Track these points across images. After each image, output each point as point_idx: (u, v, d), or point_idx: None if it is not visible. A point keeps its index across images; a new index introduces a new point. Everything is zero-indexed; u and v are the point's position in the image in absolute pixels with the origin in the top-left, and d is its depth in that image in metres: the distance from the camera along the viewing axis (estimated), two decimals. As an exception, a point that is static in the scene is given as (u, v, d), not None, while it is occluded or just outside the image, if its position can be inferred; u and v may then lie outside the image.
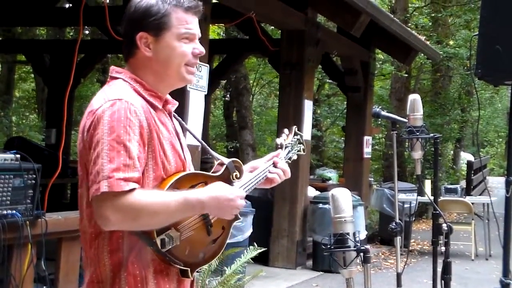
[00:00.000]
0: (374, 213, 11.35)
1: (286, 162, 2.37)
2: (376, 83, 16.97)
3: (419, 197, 10.61)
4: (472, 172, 17.85)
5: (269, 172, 2.28)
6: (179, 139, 2.11)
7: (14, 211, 4.16)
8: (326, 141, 19.71)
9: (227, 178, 2.13)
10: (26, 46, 12.80)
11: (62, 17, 9.69)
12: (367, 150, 10.72)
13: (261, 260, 7.88)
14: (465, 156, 22.51)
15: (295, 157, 2.46)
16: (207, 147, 2.33)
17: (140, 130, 1.92)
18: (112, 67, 2.12)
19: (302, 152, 2.50)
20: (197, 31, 2.09)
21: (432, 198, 3.42)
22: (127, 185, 1.86)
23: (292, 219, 8.32)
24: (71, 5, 10.48)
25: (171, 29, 2.02)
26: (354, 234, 2.34)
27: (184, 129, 2.25)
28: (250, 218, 6.81)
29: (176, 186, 1.97)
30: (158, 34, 2.02)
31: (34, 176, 4.31)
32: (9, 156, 4.22)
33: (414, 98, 3.54)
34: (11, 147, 7.52)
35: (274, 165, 2.30)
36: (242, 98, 14.72)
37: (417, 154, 3.43)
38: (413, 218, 11.42)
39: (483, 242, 9.95)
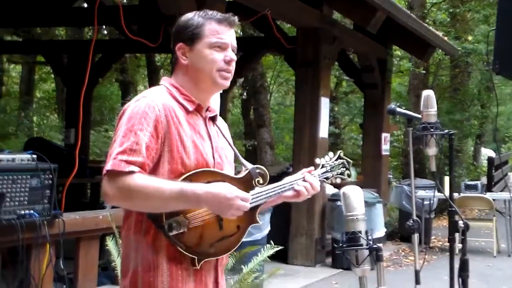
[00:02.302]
0: (393, 210, 11.30)
1: (321, 180, 2.42)
2: (394, 80, 16.84)
3: (438, 194, 10.57)
4: (493, 168, 17.69)
5: (297, 184, 2.34)
6: (210, 141, 2.24)
7: (32, 211, 4.21)
8: (345, 139, 19.61)
9: (248, 181, 2.23)
10: (45, 46, 12.86)
11: (80, 17, 9.71)
12: (385, 147, 10.66)
13: (280, 258, 7.87)
14: (486, 152, 22.32)
15: (337, 180, 2.49)
16: (238, 153, 2.41)
17: (155, 124, 2.11)
18: (164, 77, 2.36)
19: (346, 177, 2.52)
20: (229, 40, 2.26)
21: (447, 194, 3.36)
22: (128, 166, 2.04)
23: (311, 217, 8.31)
24: (87, 5, 10.50)
25: (203, 39, 2.23)
26: (366, 232, 2.32)
27: (228, 142, 2.36)
28: (267, 216, 6.79)
29: (191, 178, 2.11)
30: (192, 44, 2.24)
31: (51, 176, 4.34)
32: (25, 156, 4.26)
33: (428, 94, 3.50)
34: (31, 148, 7.56)
35: (304, 179, 2.35)
36: (260, 96, 14.70)
37: (432, 150, 3.40)
38: (433, 215, 11.32)
39: (505, 238, 9.85)
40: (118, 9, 5.51)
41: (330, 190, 8.95)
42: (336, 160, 2.51)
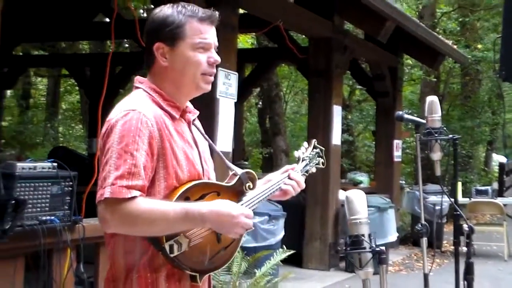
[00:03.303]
0: (406, 215, 11.22)
1: (303, 175, 2.33)
2: (407, 88, 16.76)
3: (450, 199, 10.45)
4: (504, 174, 17.50)
5: (284, 184, 2.23)
6: (197, 148, 2.09)
7: (53, 217, 4.21)
8: (359, 146, 19.53)
9: (239, 188, 2.11)
10: (69, 60, 12.98)
11: (100, 31, 9.81)
12: (397, 153, 10.61)
13: (295, 262, 7.88)
14: (497, 158, 22.08)
15: (313, 170, 2.42)
16: (223, 157, 2.25)
17: (150, 141, 1.92)
18: (137, 77, 2.11)
19: (321, 166, 2.45)
20: (212, 40, 2.06)
21: (453, 199, 3.33)
22: (129, 192, 1.85)
23: (324, 222, 8.27)
24: (108, 19, 10.57)
25: (185, 39, 2.01)
26: (369, 235, 2.29)
27: (205, 137, 2.21)
28: (281, 222, 6.77)
29: (187, 195, 1.95)
30: (173, 44, 2.01)
31: (71, 183, 4.35)
32: (46, 164, 4.27)
33: (432, 100, 3.47)
34: (55, 157, 7.59)
35: (289, 177, 2.25)
36: (275, 105, 14.69)
37: (436, 155, 3.37)
38: (445, 220, 11.23)
39: (516, 243, 9.76)
40: (134, 22, 5.53)
41: (343, 196, 8.91)
42: (312, 150, 2.44)
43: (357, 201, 2.35)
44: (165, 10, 2.03)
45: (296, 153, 2.37)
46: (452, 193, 3.58)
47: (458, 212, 3.35)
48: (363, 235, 2.30)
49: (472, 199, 10.05)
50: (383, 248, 2.30)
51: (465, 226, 3.33)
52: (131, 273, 1.95)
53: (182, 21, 2.01)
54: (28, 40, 11.94)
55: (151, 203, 1.88)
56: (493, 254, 9.93)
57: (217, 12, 2.10)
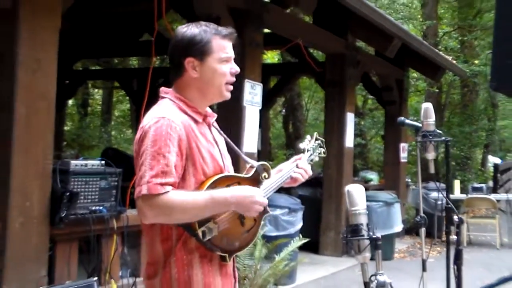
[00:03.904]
0: (411, 209, 11.07)
1: (309, 163, 2.35)
2: (413, 98, 16.60)
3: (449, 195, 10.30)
4: (498, 173, 17.24)
5: (294, 172, 2.26)
6: (218, 146, 2.12)
7: (101, 207, 4.24)
8: (371, 148, 19.38)
9: (256, 178, 2.13)
10: (120, 74, 13.09)
11: (146, 49, 9.84)
12: (403, 155, 10.49)
13: (312, 249, 7.85)
14: (493, 160, 21.74)
15: (316, 158, 2.44)
16: (241, 152, 2.30)
17: (179, 143, 1.95)
18: (162, 88, 2.13)
19: (323, 155, 2.47)
20: (232, 54, 2.11)
21: (444, 194, 3.26)
22: (163, 188, 1.89)
23: (338, 214, 8.19)
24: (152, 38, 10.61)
25: (213, 54, 2.04)
26: (367, 224, 2.26)
27: (222, 135, 2.24)
28: (300, 214, 6.70)
29: (214, 185, 1.98)
30: (202, 59, 2.03)
31: (117, 178, 4.38)
32: (96, 162, 4.32)
33: (427, 106, 3.42)
34: (106, 156, 7.65)
35: (297, 166, 2.28)
36: (297, 112, 14.67)
37: (430, 155, 3.31)
38: (445, 213, 11.04)
39: (507, 233, 9.63)
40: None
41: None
42: (315, 141, 2.45)
43: (357, 194, 2.32)
44: (192, 29, 2.05)
45: (301, 145, 2.40)
46: (447, 189, 3.50)
47: (450, 205, 3.28)
48: (361, 224, 2.27)
49: (469, 195, 9.98)
50: (379, 235, 2.26)
51: (455, 218, 3.26)
52: (169, 257, 1.97)
53: (209, 38, 2.04)
54: (86, 57, 12.10)
55: (182, 194, 1.91)
56: (486, 243, 9.82)
57: (234, 30, 2.13)
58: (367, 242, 2.25)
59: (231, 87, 2.12)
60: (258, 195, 2.01)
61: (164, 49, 7.26)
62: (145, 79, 10.34)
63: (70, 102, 17.87)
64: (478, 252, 9.06)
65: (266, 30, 6.75)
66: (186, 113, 2.03)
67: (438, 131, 3.28)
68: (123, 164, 4.77)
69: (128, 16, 9.19)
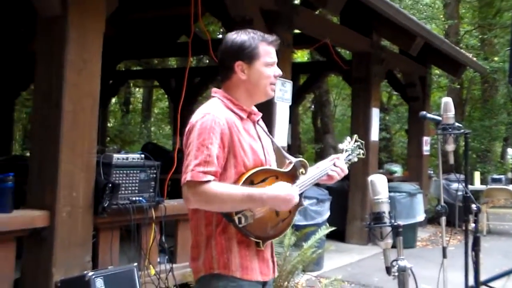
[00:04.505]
0: (433, 200, 10.90)
1: (346, 163, 2.34)
2: (436, 94, 16.32)
3: (469, 186, 10.09)
4: (517, 164, 16.88)
5: (331, 170, 2.25)
6: (261, 142, 2.15)
7: (141, 198, 4.26)
8: (395, 142, 19.16)
9: (294, 173, 2.16)
10: (159, 73, 13.18)
11: (184, 50, 9.86)
12: (426, 148, 10.33)
13: (339, 238, 7.82)
14: (512, 152, 21.29)
15: (355, 159, 2.43)
16: (281, 149, 2.32)
17: (221, 136, 2.00)
18: (213, 89, 2.20)
19: (361, 156, 2.46)
20: (275, 59, 2.18)
21: (463, 184, 3.18)
22: (205, 176, 1.95)
23: (364, 205, 8.09)
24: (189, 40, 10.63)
25: (260, 58, 2.11)
26: (389, 212, 2.21)
27: (268, 135, 2.28)
28: (327, 204, 6.65)
29: (252, 178, 2.03)
30: (251, 62, 2.11)
31: (155, 171, 4.39)
32: (136, 156, 4.33)
33: (447, 101, 3.34)
34: (145, 151, 7.70)
35: (335, 164, 2.27)
36: (325, 108, 14.54)
37: (450, 147, 3.23)
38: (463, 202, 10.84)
39: (527, 223, 9.44)
40: (212, 41, 5.58)
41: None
42: (354, 143, 2.44)
43: (379, 184, 2.28)
44: (241, 36, 2.13)
45: (340, 146, 2.41)
46: (466, 179, 3.42)
47: (468, 195, 3.20)
48: (384, 212, 2.23)
49: (488, 186, 9.81)
50: (400, 223, 2.22)
51: (473, 206, 3.18)
52: (210, 240, 2.04)
53: (257, 44, 2.11)
54: (128, 58, 12.19)
55: (222, 186, 1.96)
56: (505, 232, 9.65)
57: (278, 38, 2.20)
58: (389, 229, 2.23)
59: (275, 87, 2.19)
60: (292, 194, 2.01)
61: (200, 50, 7.35)
62: (182, 78, 10.44)
63: (113, 100, 18.08)
64: (497, 240, 8.88)
65: (296, 31, 6.69)
66: (232, 110, 2.10)
67: (458, 124, 3.20)
68: (162, 158, 4.80)
69: (167, 19, 9.24)
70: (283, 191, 1.99)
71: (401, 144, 19.08)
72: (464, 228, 3.35)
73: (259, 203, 1.98)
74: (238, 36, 2.13)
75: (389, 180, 9.50)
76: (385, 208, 2.26)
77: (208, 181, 1.94)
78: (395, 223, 2.18)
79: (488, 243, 8.35)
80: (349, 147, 2.40)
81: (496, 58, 14.36)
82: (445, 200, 9.54)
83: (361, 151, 2.45)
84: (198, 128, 2.00)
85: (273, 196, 1.98)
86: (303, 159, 2.21)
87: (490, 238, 8.94)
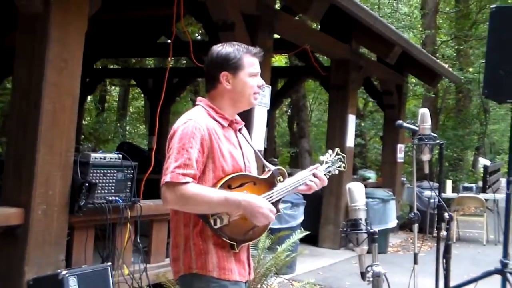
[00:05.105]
0: (405, 206, 11.07)
1: (325, 174, 2.40)
2: (411, 102, 16.58)
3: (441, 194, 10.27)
4: (488, 174, 17.21)
5: (309, 180, 2.32)
6: (241, 150, 2.22)
7: (117, 198, 4.27)
8: (370, 148, 19.36)
9: (271, 181, 2.23)
10: (136, 73, 13.13)
11: (163, 50, 9.87)
12: (400, 155, 10.48)
13: (312, 241, 7.87)
14: (483, 161, 21.68)
15: (335, 172, 2.49)
16: (261, 156, 2.39)
17: (201, 142, 2.08)
18: (199, 98, 2.28)
19: (342, 169, 2.52)
20: (259, 70, 2.26)
21: (437, 194, 3.28)
22: (184, 178, 2.02)
23: (337, 209, 8.20)
24: (169, 41, 10.64)
25: (244, 69, 2.20)
26: (366, 219, 2.29)
27: (250, 144, 2.34)
28: (302, 208, 6.73)
29: (229, 183, 2.10)
30: (235, 73, 2.19)
31: (132, 171, 4.40)
32: (113, 156, 4.33)
33: (424, 112, 3.44)
34: (121, 150, 7.67)
35: (314, 175, 2.33)
36: (301, 113, 14.65)
37: (426, 156, 3.33)
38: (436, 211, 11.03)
39: (493, 231, 9.63)
40: (189, 44, 5.59)
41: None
42: (335, 156, 2.49)
43: (357, 191, 2.35)
44: (227, 48, 2.21)
45: (321, 157, 2.47)
46: (439, 189, 3.52)
47: (441, 204, 3.30)
48: (360, 219, 2.30)
49: (460, 194, 10.01)
50: (376, 230, 2.30)
51: (446, 215, 3.28)
52: (188, 241, 2.11)
53: (241, 56, 2.20)
54: (105, 56, 12.10)
55: (199, 188, 2.03)
56: (474, 239, 9.84)
57: (262, 50, 2.29)
58: (365, 235, 2.29)
59: (258, 96, 2.27)
60: (268, 209, 2.08)
61: (179, 51, 7.34)
62: (160, 78, 10.45)
63: (89, 98, 17.92)
64: (466, 247, 9.08)
65: (275, 36, 6.76)
66: (214, 118, 2.18)
67: (433, 134, 3.29)
68: (137, 158, 4.80)
69: (146, 20, 9.24)
70: (260, 202, 2.07)
71: (376, 151, 19.31)
72: (435, 235, 3.43)
73: (234, 207, 2.05)
74: (224, 48, 2.22)
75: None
76: (362, 215, 2.33)
77: (186, 183, 2.02)
78: (371, 230, 2.25)
79: (457, 250, 8.52)
80: (330, 159, 2.46)
81: (471, 69, 14.64)
82: (417, 207, 9.69)
83: (342, 164, 2.51)
84: (180, 133, 2.08)
85: (249, 203, 2.05)
86: (282, 168, 2.27)
87: (460, 245, 9.13)
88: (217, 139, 2.13)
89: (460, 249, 8.62)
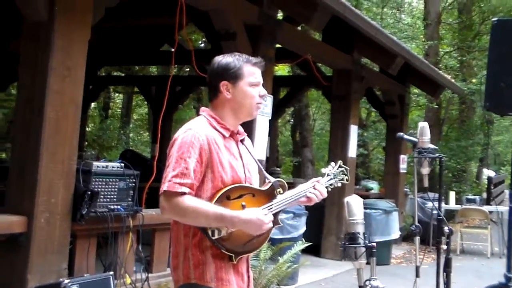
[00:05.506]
0: (408, 217, 11.06)
1: (327, 187, 2.40)
2: (414, 112, 16.58)
3: (444, 205, 10.28)
4: (492, 185, 17.16)
5: (309, 192, 2.31)
6: (242, 160, 2.23)
7: (119, 206, 4.28)
8: (373, 158, 19.35)
9: (271, 192, 2.23)
10: (139, 80, 13.19)
11: (166, 58, 9.92)
12: (403, 166, 10.48)
13: (314, 252, 7.86)
14: (487, 173, 21.63)
15: (338, 184, 2.48)
16: (262, 168, 2.39)
17: (200, 151, 2.10)
18: (202, 108, 2.30)
19: (345, 182, 2.51)
20: (260, 80, 2.26)
21: (436, 206, 3.29)
22: (181, 188, 2.04)
23: (340, 220, 8.18)
24: (172, 49, 10.70)
25: (244, 78, 2.20)
26: (364, 233, 2.30)
27: (252, 156, 2.33)
28: (303, 219, 6.72)
29: (228, 193, 2.10)
30: (235, 82, 2.20)
31: (134, 180, 4.42)
32: (116, 164, 4.36)
33: (423, 125, 3.45)
34: (124, 158, 7.70)
35: (314, 187, 2.33)
36: (304, 122, 14.66)
37: (425, 170, 3.34)
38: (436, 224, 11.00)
39: (498, 243, 9.56)
40: (195, 52, 5.64)
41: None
42: (338, 168, 2.49)
43: (355, 205, 2.36)
44: (227, 58, 2.23)
45: (323, 170, 2.46)
46: (439, 202, 3.53)
47: (441, 217, 3.31)
48: (358, 233, 2.31)
49: (463, 206, 9.95)
50: (374, 243, 2.31)
51: (445, 229, 3.29)
52: (187, 251, 2.12)
53: (241, 65, 2.21)
54: (109, 64, 12.22)
55: (197, 202, 2.04)
56: (478, 252, 9.78)
57: (263, 60, 2.30)
58: (363, 249, 2.30)
59: (261, 106, 2.27)
60: (262, 219, 2.08)
61: (182, 59, 7.39)
62: (163, 86, 10.49)
63: (92, 105, 17.97)
64: (470, 260, 9.03)
65: (277, 45, 6.80)
66: (215, 128, 2.19)
67: (434, 147, 3.30)
68: (140, 166, 4.83)
69: (149, 28, 9.31)
70: (254, 216, 2.07)
71: (379, 161, 19.29)
72: (436, 248, 3.43)
73: (229, 224, 2.05)
74: (224, 58, 2.24)
75: (366, 197, 9.68)
76: (360, 228, 2.34)
77: (183, 193, 2.03)
78: (369, 244, 2.26)
79: (460, 262, 8.51)
80: (332, 171, 2.45)
81: (474, 80, 14.65)
82: (420, 219, 9.75)
83: (345, 177, 2.50)
84: (179, 143, 2.10)
85: (244, 221, 2.05)
86: (282, 180, 2.27)
87: (463, 257, 9.10)
88: (217, 149, 2.13)
89: (464, 262, 8.61)
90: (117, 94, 21.15)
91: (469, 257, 9.26)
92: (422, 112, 17.31)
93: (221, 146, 2.16)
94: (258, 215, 2.08)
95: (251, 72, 2.22)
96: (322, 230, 8.25)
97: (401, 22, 14.26)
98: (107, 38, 9.13)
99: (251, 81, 2.21)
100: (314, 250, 7.62)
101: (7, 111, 12.69)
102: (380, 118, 17.29)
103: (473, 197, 10.74)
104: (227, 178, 2.12)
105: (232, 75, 2.20)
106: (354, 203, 2.36)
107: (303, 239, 5.01)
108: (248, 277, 2.26)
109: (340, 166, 2.50)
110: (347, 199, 2.40)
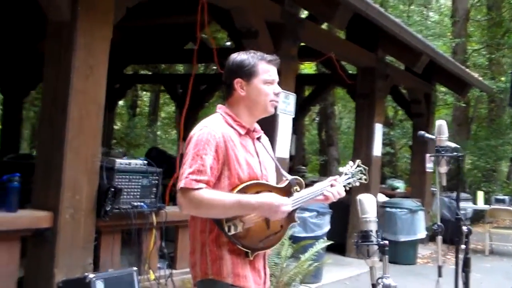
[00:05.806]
0: (435, 217, 10.94)
1: (344, 186, 2.40)
2: (442, 111, 16.37)
3: (472, 205, 10.16)
4: (523, 185, 16.85)
5: (326, 191, 2.33)
6: (258, 157, 2.24)
7: (142, 203, 4.33)
8: (400, 157, 19.17)
9: (288, 190, 2.24)
10: (165, 78, 13.32)
11: (190, 56, 9.99)
12: (429, 165, 10.35)
13: (340, 251, 7.86)
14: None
15: (356, 184, 2.48)
16: (279, 166, 2.39)
17: (216, 149, 2.12)
18: (218, 105, 2.32)
19: (363, 181, 2.51)
20: (275, 77, 2.26)
21: (455, 205, 3.26)
22: (197, 184, 2.07)
23: (365, 219, 8.13)
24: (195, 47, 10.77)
25: (258, 76, 2.21)
26: (376, 231, 2.31)
27: (269, 153, 2.34)
28: (327, 217, 6.70)
29: (245, 190, 2.12)
30: (249, 80, 2.21)
31: (157, 177, 4.47)
32: (139, 161, 4.42)
33: (441, 123, 3.41)
34: (149, 156, 7.78)
35: (331, 186, 2.34)
36: (329, 121, 14.62)
37: (443, 169, 3.29)
38: (469, 222, 10.87)
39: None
40: (219, 50, 5.68)
41: (382, 198, 8.76)
42: (356, 168, 2.48)
43: (367, 203, 2.37)
44: (241, 55, 2.24)
45: (341, 169, 2.47)
46: (457, 201, 3.49)
47: (459, 216, 3.28)
48: (371, 231, 2.32)
49: (492, 206, 9.81)
50: (386, 242, 2.31)
51: (464, 228, 3.26)
52: (204, 247, 2.15)
53: (255, 63, 2.22)
54: (136, 62, 12.36)
55: (212, 193, 2.07)
56: (508, 253, 9.62)
57: (278, 57, 2.30)
58: (375, 247, 2.31)
59: (276, 104, 2.27)
60: (283, 204, 2.11)
61: (206, 57, 7.42)
62: (188, 84, 10.56)
63: (121, 103, 18.21)
64: (499, 261, 8.89)
65: (301, 44, 6.80)
66: (231, 126, 2.21)
67: (453, 145, 3.27)
68: (165, 163, 4.88)
69: (173, 26, 9.39)
70: (274, 199, 2.10)
71: (405, 160, 19.09)
72: (464, 246, 3.40)
73: (248, 208, 2.08)
74: (239, 56, 2.25)
75: (391, 196, 9.62)
76: (373, 226, 2.35)
77: (199, 189, 2.05)
78: (381, 242, 2.28)
79: (490, 263, 8.39)
80: (350, 171, 2.45)
81: (503, 78, 14.42)
82: (448, 218, 9.63)
83: (363, 176, 2.50)
84: (195, 140, 2.13)
85: (263, 203, 2.08)
86: (299, 178, 2.28)
87: (492, 258, 8.97)
88: (233, 147, 2.15)
89: (493, 263, 8.48)
90: (144, 93, 21.37)
91: (498, 258, 9.12)
92: (450, 111, 17.09)
93: (237, 144, 2.17)
94: (276, 197, 2.11)
95: (266, 69, 2.23)
96: (347, 229, 8.22)
97: (428, 19, 14.09)
98: (131, 37, 9.24)
99: (265, 79, 2.22)
100: (339, 248, 7.61)
101: (37, 109, 12.96)
102: (407, 117, 17.13)
103: (502, 197, 10.58)
104: (243, 175, 2.14)
105: (246, 73, 2.21)
106: (366, 201, 2.36)
107: (325, 238, 5.00)
108: (265, 274, 2.28)
109: (358, 166, 2.50)
110: (358, 196, 2.41)
